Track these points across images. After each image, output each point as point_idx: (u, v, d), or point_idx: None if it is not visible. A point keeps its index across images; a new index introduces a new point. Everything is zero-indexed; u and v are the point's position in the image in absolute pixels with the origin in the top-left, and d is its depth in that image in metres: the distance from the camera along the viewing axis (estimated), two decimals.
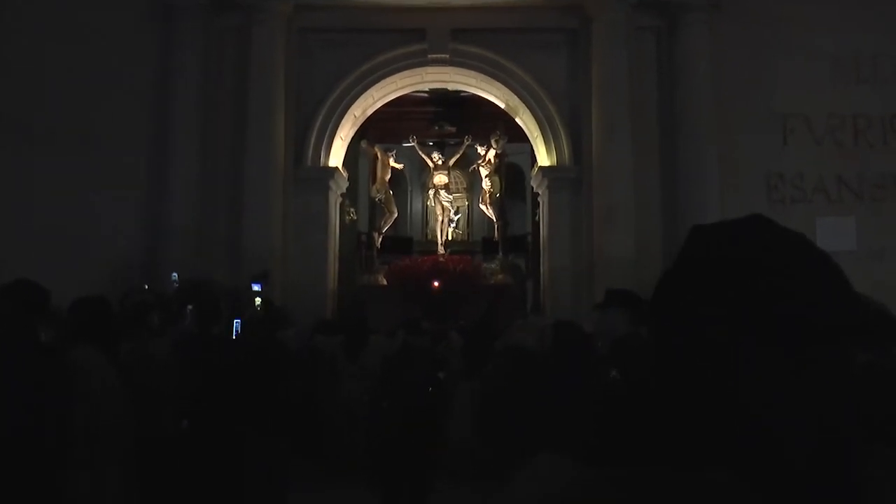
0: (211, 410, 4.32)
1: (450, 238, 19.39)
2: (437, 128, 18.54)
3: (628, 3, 12.46)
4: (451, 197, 19.60)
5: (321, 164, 13.12)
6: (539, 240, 14.11)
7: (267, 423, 4.76)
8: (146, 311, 6.66)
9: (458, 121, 17.96)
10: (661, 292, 0.92)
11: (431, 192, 19.58)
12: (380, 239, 17.79)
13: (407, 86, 14.02)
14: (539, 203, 14.03)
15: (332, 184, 13.34)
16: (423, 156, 19.17)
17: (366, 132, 15.94)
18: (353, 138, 14.64)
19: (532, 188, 14.90)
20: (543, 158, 13.33)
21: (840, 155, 12.46)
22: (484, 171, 18.35)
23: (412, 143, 18.75)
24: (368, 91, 13.29)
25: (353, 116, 13.60)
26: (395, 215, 18.71)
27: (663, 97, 12.61)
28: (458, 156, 19.11)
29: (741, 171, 12.36)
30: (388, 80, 13.34)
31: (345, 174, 14.05)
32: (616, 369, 4.44)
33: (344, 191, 14.23)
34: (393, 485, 5.49)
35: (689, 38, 12.45)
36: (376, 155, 17.85)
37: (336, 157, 13.53)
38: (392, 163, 18.56)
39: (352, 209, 15.44)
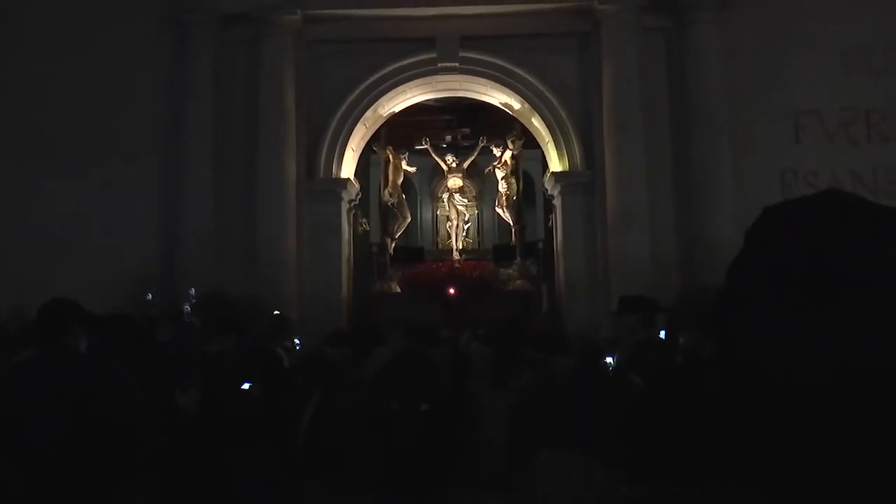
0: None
1: (461, 246, 19.90)
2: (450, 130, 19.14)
3: (637, 4, 13.35)
4: (465, 201, 20.19)
5: (333, 175, 14.11)
6: (553, 245, 14.91)
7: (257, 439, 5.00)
8: (154, 326, 7.37)
9: (473, 127, 18.60)
10: (734, 287, 0.85)
11: (446, 195, 20.18)
12: (392, 245, 18.22)
13: (417, 94, 14.98)
14: (552, 209, 14.81)
15: (343, 194, 14.35)
16: (437, 158, 19.53)
17: (378, 135, 16.63)
18: (363, 149, 15.49)
19: (543, 194, 15.70)
20: (555, 164, 14.21)
21: (853, 150, 13.26)
22: (500, 174, 18.46)
23: (425, 146, 19.17)
24: (379, 101, 14.29)
25: (363, 127, 14.56)
26: (409, 220, 19.18)
27: (674, 98, 13.49)
28: (473, 157, 19.41)
29: (754, 169, 13.15)
30: (399, 89, 14.35)
31: (356, 185, 14.93)
32: (636, 374, 4.91)
33: (356, 201, 15.09)
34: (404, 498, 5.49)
35: (698, 38, 13.32)
36: (388, 158, 18.20)
37: (347, 168, 14.50)
38: (405, 166, 18.97)
39: (364, 220, 16.19)
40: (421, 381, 5.81)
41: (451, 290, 16.01)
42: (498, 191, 19.03)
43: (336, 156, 14.11)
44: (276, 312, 10.95)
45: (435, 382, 5.90)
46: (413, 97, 15.04)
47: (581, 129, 13.82)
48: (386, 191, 18.34)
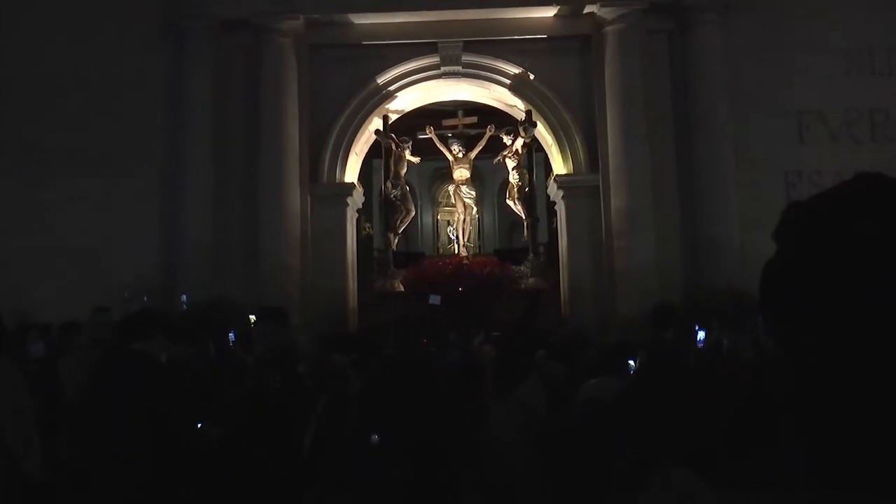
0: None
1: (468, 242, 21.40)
2: (458, 116, 20.66)
3: (639, 7, 15.22)
4: (472, 193, 21.69)
5: (337, 180, 16.10)
6: (558, 248, 16.88)
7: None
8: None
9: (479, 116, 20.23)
10: (776, 286, 0.90)
11: (451, 188, 21.72)
12: (396, 239, 19.19)
13: (420, 99, 16.98)
14: (556, 212, 16.80)
15: (347, 199, 16.30)
16: (442, 148, 20.37)
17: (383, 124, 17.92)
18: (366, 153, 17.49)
19: (547, 197, 17.75)
20: (559, 166, 16.22)
21: (857, 150, 15.11)
22: (511, 163, 19.31)
23: (429, 135, 19.84)
24: (381, 106, 16.26)
25: (366, 132, 16.53)
26: (413, 213, 20.45)
27: (678, 99, 15.40)
28: (480, 146, 20.19)
29: (759, 170, 15.07)
30: (402, 94, 16.31)
31: (360, 189, 16.92)
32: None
33: (360, 206, 17.08)
34: None
35: (701, 39, 15.23)
36: (391, 147, 18.93)
37: (351, 173, 16.52)
38: (408, 156, 20.19)
39: (367, 224, 17.95)
40: (403, 403, 5.76)
41: (460, 289, 16.81)
42: (508, 182, 20.14)
43: (339, 160, 16.08)
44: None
45: (418, 404, 5.80)
46: (416, 102, 17.03)
47: (585, 132, 15.76)
48: (388, 182, 19.16)
